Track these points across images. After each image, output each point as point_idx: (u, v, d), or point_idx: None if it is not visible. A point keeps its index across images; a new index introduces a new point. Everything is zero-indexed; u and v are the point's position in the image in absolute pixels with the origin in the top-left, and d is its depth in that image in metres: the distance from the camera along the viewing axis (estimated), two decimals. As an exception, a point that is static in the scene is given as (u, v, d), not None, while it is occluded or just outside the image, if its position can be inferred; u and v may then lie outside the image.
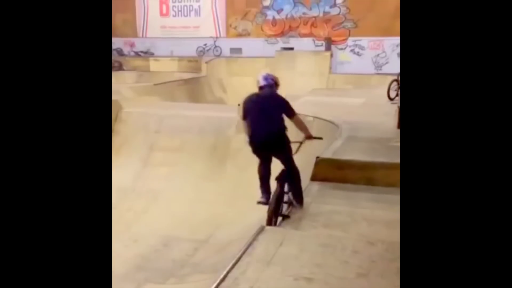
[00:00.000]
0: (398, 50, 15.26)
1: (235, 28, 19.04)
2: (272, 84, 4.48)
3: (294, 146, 4.54)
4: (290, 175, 4.42)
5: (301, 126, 4.53)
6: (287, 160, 4.39)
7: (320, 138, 4.70)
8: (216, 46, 18.95)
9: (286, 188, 4.44)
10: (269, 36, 18.50)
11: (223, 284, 2.80)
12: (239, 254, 3.17)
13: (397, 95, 9.95)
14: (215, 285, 2.78)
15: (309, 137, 4.56)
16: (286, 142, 4.36)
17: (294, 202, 4.44)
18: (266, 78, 4.51)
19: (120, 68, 18.46)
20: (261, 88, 4.49)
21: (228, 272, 2.92)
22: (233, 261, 3.06)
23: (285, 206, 4.45)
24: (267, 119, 4.27)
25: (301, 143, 4.55)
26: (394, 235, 2.29)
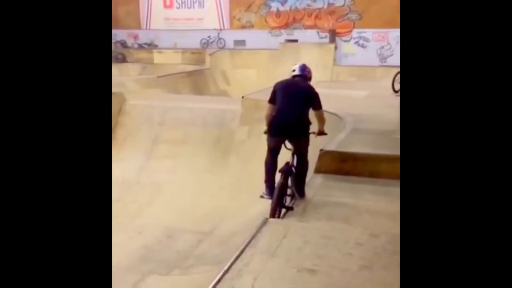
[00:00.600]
0: (403, 42, 15.13)
1: (239, 20, 18.96)
2: (307, 76, 4.56)
3: None
4: (300, 167, 4.45)
5: (322, 120, 4.63)
6: (302, 150, 4.43)
7: (325, 134, 4.77)
8: (219, 38, 18.89)
9: (289, 181, 4.46)
10: (273, 28, 18.41)
11: (227, 275, 2.82)
12: (243, 246, 3.18)
13: (401, 87, 9.90)
14: (219, 276, 2.80)
15: (319, 133, 4.63)
16: (306, 132, 4.43)
17: (296, 195, 4.46)
18: (302, 69, 4.57)
19: (124, 60, 18.44)
20: (294, 76, 4.55)
21: (232, 264, 2.93)
22: (237, 253, 3.07)
23: (288, 199, 4.47)
24: (293, 105, 4.33)
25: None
26: (397, 227, 2.30)
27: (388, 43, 16.90)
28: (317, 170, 5.19)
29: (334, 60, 17.01)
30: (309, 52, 16.74)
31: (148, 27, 20.15)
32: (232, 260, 2.99)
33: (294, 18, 18.18)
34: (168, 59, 17.99)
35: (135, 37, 20.10)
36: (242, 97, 9.68)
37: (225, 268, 2.89)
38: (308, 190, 4.57)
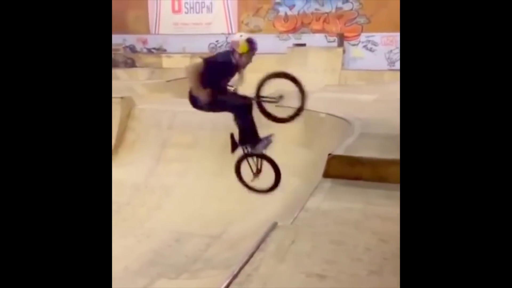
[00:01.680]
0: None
1: (246, 24, 19.01)
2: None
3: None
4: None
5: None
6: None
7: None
8: (228, 43, 18.93)
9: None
10: (281, 32, 18.44)
11: (236, 280, 2.83)
12: (252, 250, 3.19)
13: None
14: (228, 281, 2.80)
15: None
16: None
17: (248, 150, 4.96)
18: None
19: (133, 65, 18.57)
20: None
21: (241, 268, 2.94)
22: (246, 257, 3.07)
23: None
24: None
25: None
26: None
27: (397, 47, 16.82)
28: (326, 175, 5.18)
29: (342, 64, 16.98)
30: (317, 56, 16.74)
31: (157, 32, 20.28)
32: (241, 264, 2.99)
33: (302, 22, 18.19)
34: (176, 64, 18.04)
35: (144, 42, 20.23)
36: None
37: (235, 272, 2.89)
38: (317, 195, 4.57)
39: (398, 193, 4.61)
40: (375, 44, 17.23)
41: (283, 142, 8.15)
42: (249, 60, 5.08)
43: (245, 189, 7.61)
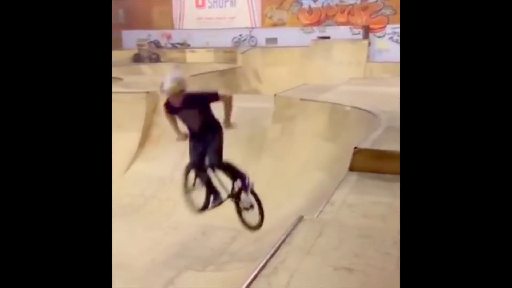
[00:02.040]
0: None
1: (270, 17, 18.94)
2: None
3: None
4: None
5: None
6: None
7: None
8: (251, 37, 18.93)
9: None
10: (305, 25, 18.29)
11: (263, 272, 2.83)
12: (278, 243, 3.19)
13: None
14: (255, 273, 2.82)
15: None
16: None
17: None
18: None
19: (158, 60, 18.79)
20: None
21: (267, 261, 2.95)
22: (272, 250, 3.08)
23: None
24: None
25: None
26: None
27: (424, 38, 16.48)
28: (352, 168, 5.13)
29: (368, 57, 16.73)
30: (341, 49, 16.54)
31: (181, 27, 20.43)
32: (267, 257, 3.00)
33: (326, 15, 17.99)
34: (200, 58, 18.17)
35: (168, 37, 20.42)
36: (275, 95, 9.67)
37: (261, 265, 2.90)
38: (343, 188, 4.54)
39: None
40: (401, 35, 16.90)
41: (308, 136, 8.12)
42: (170, 94, 5.31)
43: (266, 187, 7.67)
